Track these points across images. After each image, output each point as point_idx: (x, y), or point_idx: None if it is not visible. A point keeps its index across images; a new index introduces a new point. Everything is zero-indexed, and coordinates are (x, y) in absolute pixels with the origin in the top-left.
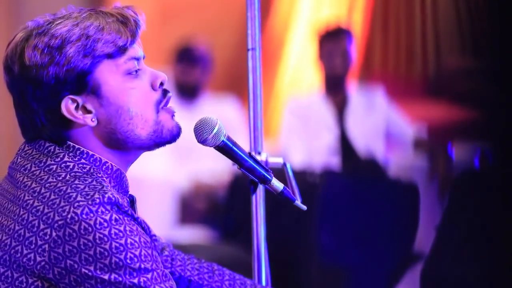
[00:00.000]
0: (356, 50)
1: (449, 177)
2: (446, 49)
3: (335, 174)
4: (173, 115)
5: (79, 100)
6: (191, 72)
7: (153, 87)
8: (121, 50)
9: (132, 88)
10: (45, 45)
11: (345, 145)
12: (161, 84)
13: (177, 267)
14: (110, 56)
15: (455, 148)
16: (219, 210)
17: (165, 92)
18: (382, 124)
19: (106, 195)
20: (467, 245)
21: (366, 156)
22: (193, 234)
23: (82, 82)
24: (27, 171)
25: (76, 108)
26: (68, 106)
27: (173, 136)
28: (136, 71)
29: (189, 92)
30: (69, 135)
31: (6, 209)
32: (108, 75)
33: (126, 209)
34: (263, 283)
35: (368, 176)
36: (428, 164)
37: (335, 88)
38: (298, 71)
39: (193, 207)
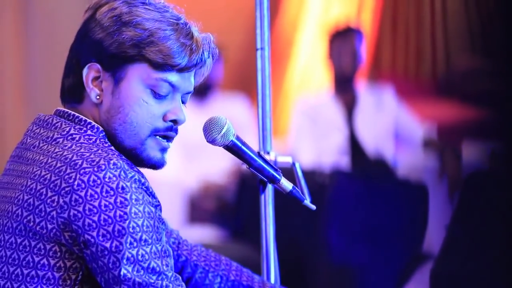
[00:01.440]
0: (365, 50)
1: (459, 176)
2: (456, 48)
3: (344, 174)
4: (163, 149)
5: (102, 74)
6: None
7: (164, 117)
8: (164, 67)
9: (145, 101)
10: (119, 15)
11: (354, 145)
12: (175, 122)
13: (184, 251)
14: (151, 63)
15: (465, 147)
16: (227, 210)
17: (170, 128)
18: (391, 123)
19: (112, 161)
20: (477, 245)
21: (375, 156)
22: (202, 234)
23: (114, 63)
24: (36, 148)
25: (94, 79)
26: (90, 70)
27: (152, 163)
28: (165, 96)
29: (200, 91)
30: (79, 109)
31: (14, 184)
32: (136, 76)
33: (133, 173)
34: (272, 282)
35: (377, 176)
36: (437, 164)
37: (344, 88)
38: (307, 71)
39: (202, 206)
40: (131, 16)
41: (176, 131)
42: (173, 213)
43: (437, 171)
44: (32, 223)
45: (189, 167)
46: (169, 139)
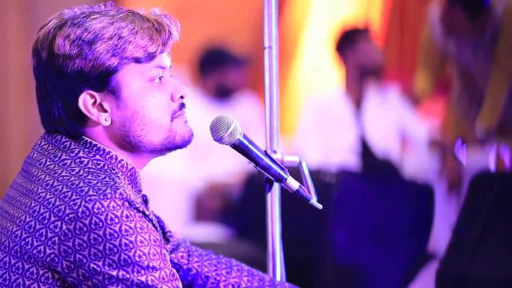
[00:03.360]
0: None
1: (463, 177)
2: None
3: (350, 174)
4: (186, 121)
5: (98, 97)
6: (227, 74)
7: (172, 98)
8: (149, 57)
9: (152, 95)
10: (77, 37)
11: (361, 144)
12: (181, 97)
13: (194, 263)
14: (137, 60)
15: (470, 147)
16: (233, 209)
17: (182, 105)
18: (397, 123)
19: (118, 191)
20: (482, 246)
21: (382, 155)
22: (208, 232)
23: (104, 81)
24: (41, 166)
25: (93, 104)
26: (85, 101)
27: (185, 142)
28: (160, 78)
29: (226, 93)
30: (84, 131)
31: (18, 202)
32: (131, 78)
33: (138, 205)
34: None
35: (384, 175)
36: (442, 164)
37: (354, 87)
38: (312, 70)
39: (208, 205)
40: (89, 32)
41: (185, 105)
42: (179, 211)
43: (443, 171)
44: (29, 246)
45: (195, 166)
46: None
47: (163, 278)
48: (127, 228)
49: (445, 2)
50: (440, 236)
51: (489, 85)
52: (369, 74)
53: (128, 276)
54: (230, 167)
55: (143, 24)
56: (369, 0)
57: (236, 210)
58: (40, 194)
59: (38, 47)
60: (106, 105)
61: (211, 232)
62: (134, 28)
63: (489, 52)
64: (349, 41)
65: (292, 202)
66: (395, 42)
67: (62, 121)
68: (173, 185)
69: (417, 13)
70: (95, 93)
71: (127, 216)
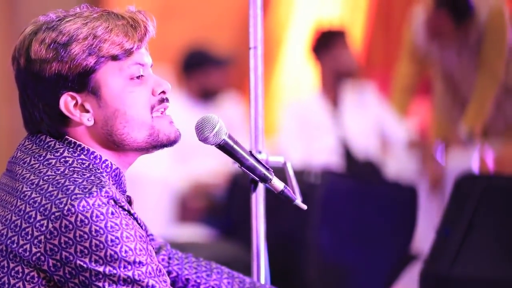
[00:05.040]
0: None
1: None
2: None
3: (334, 174)
4: (170, 122)
5: (78, 98)
6: (210, 75)
7: (153, 93)
8: (126, 53)
9: (131, 91)
10: (52, 41)
11: (342, 146)
12: (163, 92)
13: (174, 266)
14: (115, 58)
15: (453, 149)
16: (217, 209)
17: (162, 100)
18: (376, 124)
19: (104, 189)
20: (466, 247)
21: (363, 156)
22: (192, 233)
23: (83, 81)
24: (26, 164)
25: (75, 105)
26: (66, 102)
27: (170, 141)
28: (139, 76)
29: (209, 94)
30: (67, 132)
31: (4, 201)
32: (110, 76)
33: (123, 204)
34: (262, 282)
35: (367, 176)
36: (423, 165)
37: (330, 89)
38: (295, 71)
39: (192, 206)
40: (64, 35)
41: (167, 100)
42: (162, 212)
43: (423, 172)
44: (15, 245)
45: (178, 166)
46: (165, 110)
47: (150, 273)
48: (112, 224)
49: (431, 4)
50: (424, 237)
51: (475, 88)
52: (345, 77)
53: (115, 271)
54: (213, 168)
55: (118, 21)
56: (354, 1)
57: (220, 211)
58: (26, 193)
59: (16, 54)
60: (87, 105)
61: (195, 232)
62: (108, 26)
63: (473, 55)
64: (325, 44)
65: (276, 203)
66: (381, 44)
67: (44, 123)
68: (157, 186)
69: (402, 14)
70: (75, 94)
71: (112, 213)
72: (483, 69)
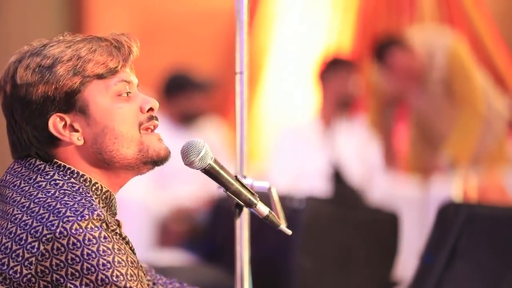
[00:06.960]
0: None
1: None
2: None
3: (318, 200)
4: (159, 139)
5: (67, 118)
6: (192, 99)
7: (141, 110)
8: (111, 72)
9: (119, 107)
10: (37, 65)
11: (332, 170)
12: (151, 109)
13: None
14: (100, 76)
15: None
16: (199, 233)
17: (150, 117)
18: (362, 152)
19: (95, 212)
20: (449, 274)
21: (349, 182)
22: (173, 257)
23: (70, 101)
24: (16, 187)
25: (64, 126)
26: (55, 123)
27: (161, 158)
28: (127, 93)
29: (191, 118)
30: (56, 153)
31: None
32: (97, 94)
33: (115, 227)
34: None
35: (351, 202)
36: (408, 191)
37: (329, 114)
38: (277, 95)
39: (173, 230)
40: (48, 58)
41: (157, 119)
42: (143, 236)
43: (410, 199)
44: (5, 267)
45: (159, 191)
46: (155, 128)
47: None
48: (104, 248)
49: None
50: (407, 264)
51: (457, 122)
52: (345, 103)
53: None
54: (195, 192)
55: (101, 43)
56: (340, 27)
57: (201, 235)
58: (16, 216)
59: (1, 83)
60: (76, 125)
61: (176, 256)
62: (92, 47)
63: (443, 94)
64: (333, 70)
65: (259, 227)
66: (366, 71)
67: (33, 147)
68: (137, 210)
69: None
70: (63, 115)
71: (105, 237)
72: (464, 106)
